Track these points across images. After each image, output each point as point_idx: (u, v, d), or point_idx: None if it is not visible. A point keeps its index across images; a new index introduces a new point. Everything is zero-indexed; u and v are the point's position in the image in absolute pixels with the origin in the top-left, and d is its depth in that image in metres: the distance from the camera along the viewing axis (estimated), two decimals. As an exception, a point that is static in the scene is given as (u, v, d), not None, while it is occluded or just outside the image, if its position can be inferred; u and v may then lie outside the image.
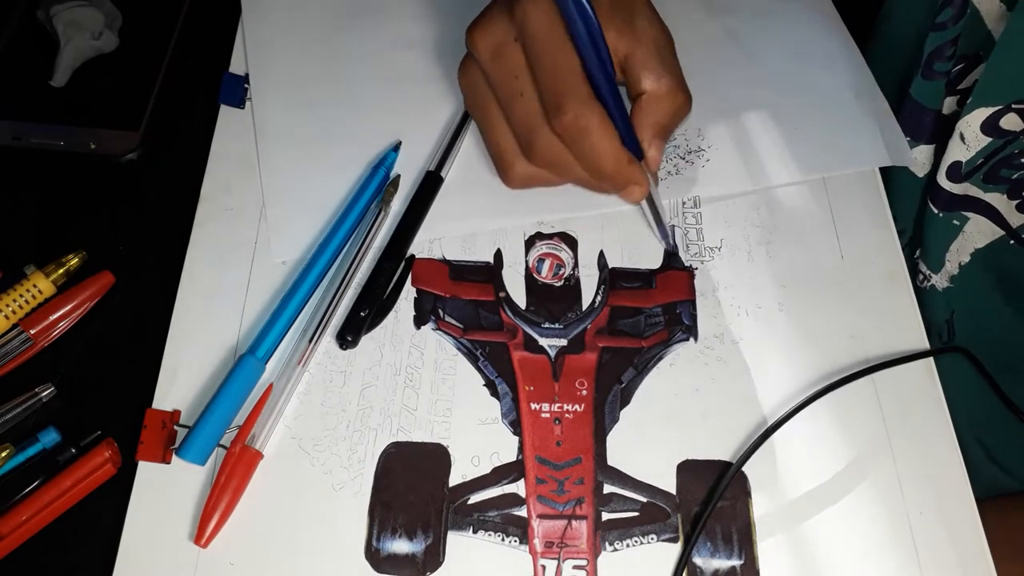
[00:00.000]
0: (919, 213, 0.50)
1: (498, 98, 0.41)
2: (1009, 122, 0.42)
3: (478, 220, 0.44)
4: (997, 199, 0.45)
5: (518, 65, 0.39)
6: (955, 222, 0.47)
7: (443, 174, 0.44)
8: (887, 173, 0.48)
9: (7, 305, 0.40)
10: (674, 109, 0.39)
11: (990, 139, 0.43)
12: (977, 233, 0.47)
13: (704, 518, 0.36)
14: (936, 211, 0.47)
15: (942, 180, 0.46)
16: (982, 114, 0.42)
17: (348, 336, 0.40)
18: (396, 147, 0.45)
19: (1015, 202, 0.44)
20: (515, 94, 0.39)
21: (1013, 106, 0.41)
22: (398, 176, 0.45)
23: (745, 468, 0.38)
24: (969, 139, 0.43)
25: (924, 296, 0.51)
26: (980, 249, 0.47)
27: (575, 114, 0.37)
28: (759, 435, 0.38)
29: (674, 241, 0.44)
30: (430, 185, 0.44)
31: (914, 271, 0.51)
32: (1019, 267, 0.46)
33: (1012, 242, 0.45)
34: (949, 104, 0.47)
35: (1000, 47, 0.41)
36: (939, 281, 0.50)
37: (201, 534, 0.35)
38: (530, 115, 0.39)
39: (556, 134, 0.38)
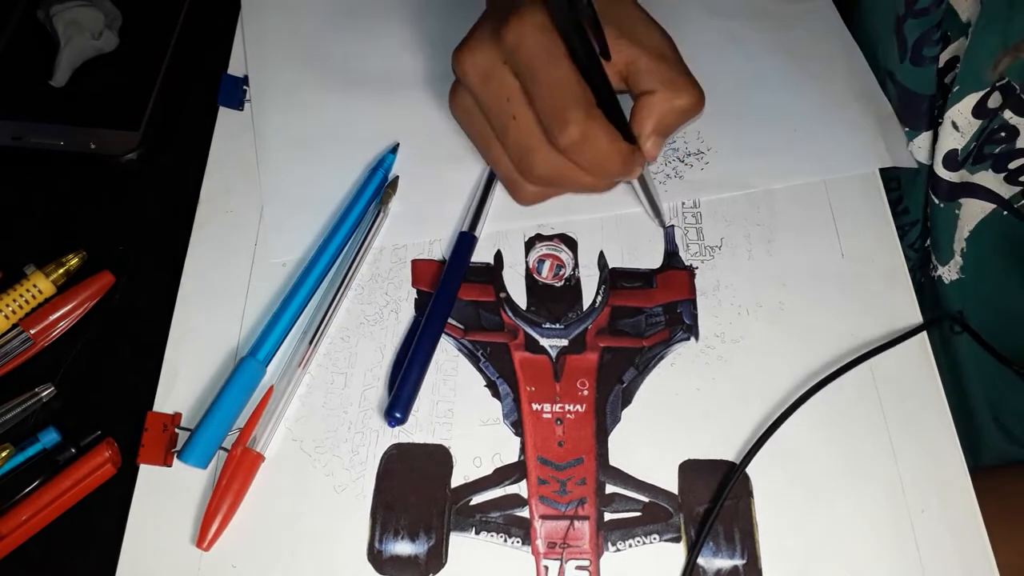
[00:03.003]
0: (925, 204, 0.50)
1: (491, 124, 0.40)
2: (994, 101, 0.43)
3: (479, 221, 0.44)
4: (985, 177, 0.45)
5: (510, 88, 0.38)
6: (956, 211, 0.47)
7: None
8: (898, 167, 0.48)
9: (7, 305, 0.40)
10: (681, 107, 0.39)
11: (980, 121, 0.43)
12: (969, 216, 0.47)
13: (710, 522, 0.36)
14: (938, 202, 0.48)
15: (939, 170, 0.46)
16: (972, 99, 0.43)
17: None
18: (394, 149, 0.45)
19: (1002, 175, 0.44)
20: (508, 118, 0.39)
21: (996, 85, 0.42)
22: (396, 177, 0.45)
23: (748, 468, 0.38)
24: (962, 126, 0.44)
25: (937, 288, 0.51)
26: (972, 230, 0.48)
27: (580, 126, 0.36)
28: (761, 434, 0.38)
29: (673, 241, 0.44)
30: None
31: (927, 263, 0.51)
32: (1015, 235, 0.46)
33: (1005, 212, 0.45)
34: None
35: (977, 30, 0.41)
36: (948, 273, 0.50)
37: (203, 537, 0.35)
38: (526, 137, 0.38)
39: (560, 150, 0.38)
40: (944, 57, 0.46)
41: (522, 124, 0.38)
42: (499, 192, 0.45)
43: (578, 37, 0.36)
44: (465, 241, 0.42)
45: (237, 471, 0.36)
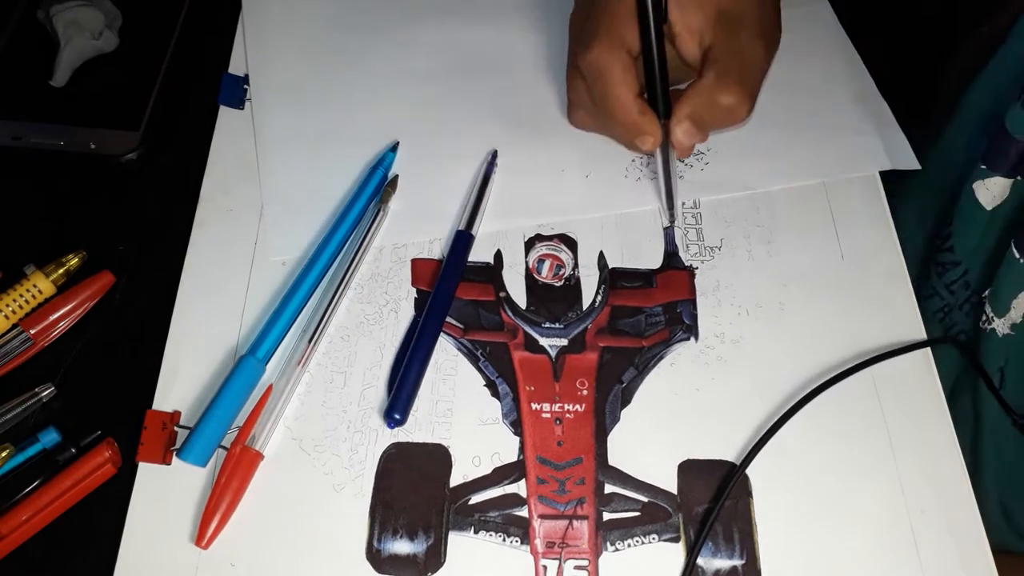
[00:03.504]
0: (994, 253, 0.48)
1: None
2: None
3: (479, 221, 0.44)
4: None
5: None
6: None
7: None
8: (956, 205, 0.46)
9: (7, 305, 0.40)
10: (723, 106, 0.39)
11: None
12: None
13: (709, 524, 0.36)
14: (1018, 256, 0.46)
15: None
16: None
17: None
18: (394, 147, 0.45)
19: None
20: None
21: None
22: (396, 176, 0.45)
23: (747, 468, 0.38)
24: None
25: (983, 338, 0.49)
26: None
27: (596, 54, 0.39)
28: (761, 435, 0.38)
29: (673, 238, 0.44)
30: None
31: (980, 310, 0.50)
32: None
33: None
34: None
35: None
36: (1001, 326, 0.48)
37: (202, 535, 0.35)
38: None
39: (581, 69, 0.40)
40: None
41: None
42: (497, 192, 0.45)
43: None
44: (462, 240, 0.42)
45: (236, 469, 0.36)
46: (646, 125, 0.40)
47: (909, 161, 0.47)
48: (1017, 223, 0.46)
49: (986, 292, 0.49)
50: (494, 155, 0.45)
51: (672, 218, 0.44)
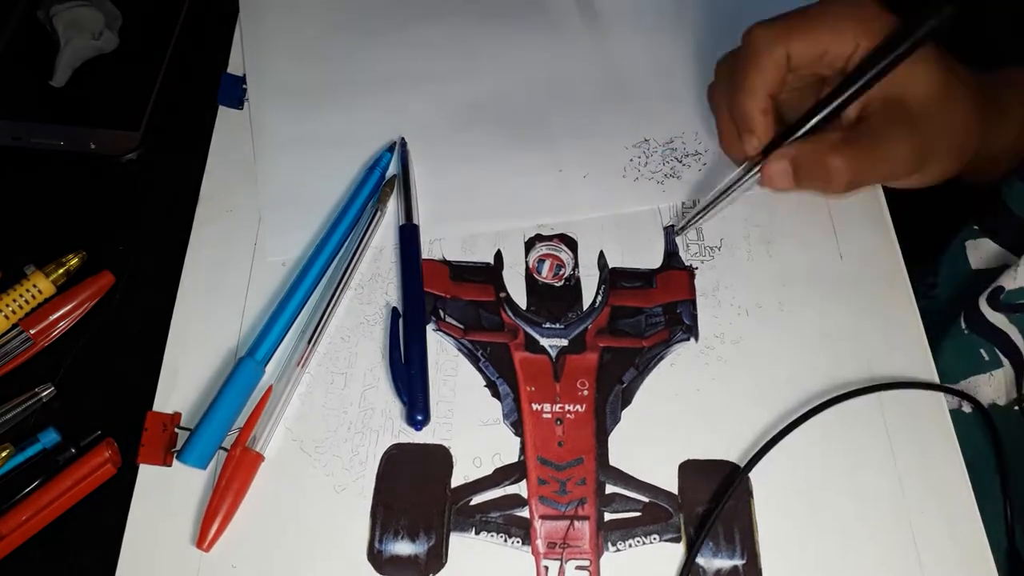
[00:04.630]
0: (945, 321, 0.46)
1: None
2: None
3: (478, 221, 0.44)
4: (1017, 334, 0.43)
5: None
6: (982, 351, 0.44)
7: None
8: (946, 244, 0.46)
9: (7, 305, 0.40)
10: (822, 164, 0.38)
11: None
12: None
13: (708, 525, 0.36)
14: (964, 327, 0.45)
15: (983, 305, 0.44)
16: None
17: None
18: (391, 147, 0.45)
19: None
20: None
21: None
22: (394, 176, 0.45)
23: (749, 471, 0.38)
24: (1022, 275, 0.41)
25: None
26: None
27: (764, 34, 0.38)
28: (765, 443, 0.37)
29: (673, 238, 0.44)
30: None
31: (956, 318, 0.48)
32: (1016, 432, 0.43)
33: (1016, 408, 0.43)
34: None
35: None
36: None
37: (203, 537, 0.35)
38: None
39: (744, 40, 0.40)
40: None
41: None
42: (497, 191, 0.44)
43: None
44: (406, 233, 0.43)
45: (237, 471, 0.36)
46: (760, 126, 0.39)
47: None
48: (970, 302, 0.45)
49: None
50: (402, 142, 0.46)
51: (681, 228, 0.44)
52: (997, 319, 0.43)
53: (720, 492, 0.37)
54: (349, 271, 0.41)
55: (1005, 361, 0.44)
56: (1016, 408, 0.43)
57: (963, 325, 0.45)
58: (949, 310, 0.47)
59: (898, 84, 0.38)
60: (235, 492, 0.36)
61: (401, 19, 0.51)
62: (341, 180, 0.45)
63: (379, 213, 0.43)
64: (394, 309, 0.41)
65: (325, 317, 0.40)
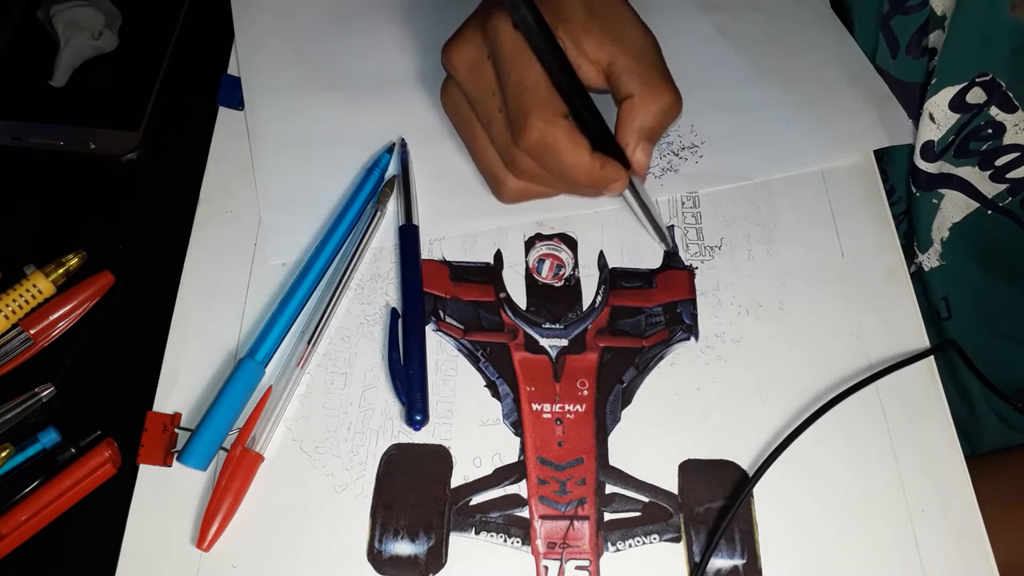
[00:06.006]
0: (907, 194, 0.51)
1: (478, 116, 0.41)
2: (975, 96, 0.43)
3: (478, 220, 0.44)
4: (969, 172, 0.46)
5: (493, 82, 0.38)
6: (934, 200, 0.48)
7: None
8: (884, 153, 0.48)
9: (7, 305, 0.40)
10: (661, 110, 0.38)
11: (958, 115, 0.44)
12: (952, 208, 0.48)
13: (719, 533, 0.36)
14: (916, 191, 0.48)
15: (918, 160, 0.47)
16: (948, 93, 0.43)
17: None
18: (390, 148, 0.45)
19: (987, 172, 0.45)
20: (494, 111, 0.39)
21: (976, 80, 0.42)
22: (394, 177, 0.45)
23: (748, 468, 0.38)
24: (939, 118, 0.44)
25: (921, 277, 0.52)
26: (957, 223, 0.48)
27: (539, 132, 0.37)
28: (772, 450, 0.37)
29: (673, 241, 0.44)
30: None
31: (910, 253, 0.52)
32: (999, 235, 0.47)
33: (989, 212, 0.46)
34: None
35: (954, 25, 0.42)
36: (928, 260, 0.51)
37: (203, 538, 0.35)
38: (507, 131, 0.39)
39: (524, 152, 0.38)
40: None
41: (505, 118, 0.38)
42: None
43: (543, 43, 0.35)
44: (407, 233, 0.43)
45: (236, 471, 0.36)
46: (611, 173, 0.38)
47: (907, 136, 0.47)
48: (909, 162, 0.48)
49: (910, 235, 0.52)
50: (402, 143, 0.46)
51: (667, 244, 0.44)
52: (932, 168, 0.47)
53: (723, 497, 0.37)
54: (349, 272, 0.41)
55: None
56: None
57: (914, 190, 0.48)
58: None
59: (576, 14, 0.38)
60: (235, 492, 0.36)
61: (394, 18, 0.51)
62: (341, 181, 0.45)
63: (379, 213, 0.43)
64: (393, 309, 0.41)
65: (325, 318, 0.40)
